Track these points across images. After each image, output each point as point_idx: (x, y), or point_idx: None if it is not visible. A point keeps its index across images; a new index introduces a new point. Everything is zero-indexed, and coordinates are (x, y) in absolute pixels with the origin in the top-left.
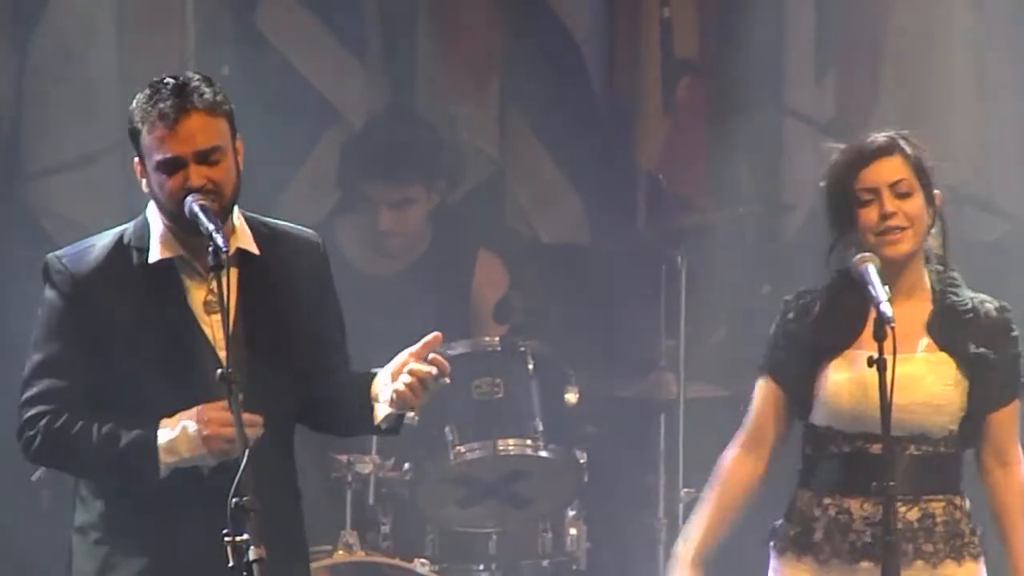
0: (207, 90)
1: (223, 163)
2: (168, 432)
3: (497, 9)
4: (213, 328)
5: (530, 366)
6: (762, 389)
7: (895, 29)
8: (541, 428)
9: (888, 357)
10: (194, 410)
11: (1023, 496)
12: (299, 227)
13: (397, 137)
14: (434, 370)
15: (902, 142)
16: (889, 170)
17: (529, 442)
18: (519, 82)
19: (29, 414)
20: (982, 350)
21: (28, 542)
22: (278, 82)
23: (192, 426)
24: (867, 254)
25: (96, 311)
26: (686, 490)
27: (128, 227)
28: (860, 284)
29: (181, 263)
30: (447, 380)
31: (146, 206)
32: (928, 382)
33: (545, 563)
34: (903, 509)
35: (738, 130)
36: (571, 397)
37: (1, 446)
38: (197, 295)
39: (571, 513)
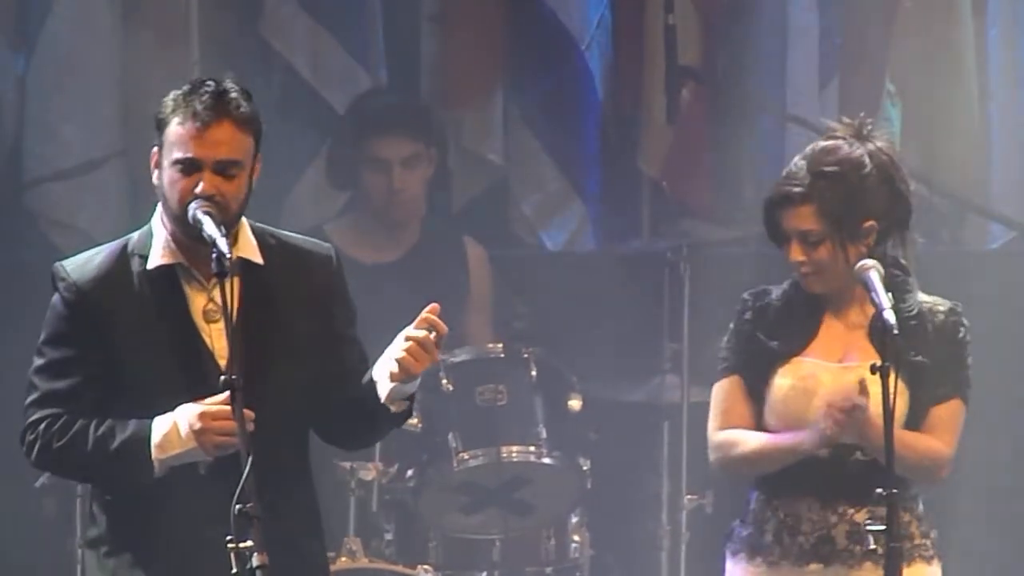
0: (245, 104)
1: (238, 179)
2: (161, 428)
3: (500, 16)
4: (212, 337)
5: (533, 373)
6: (729, 385)
7: (898, 37)
8: (544, 435)
9: (891, 364)
10: (188, 405)
11: (924, 446)
12: (311, 240)
13: (394, 102)
14: (433, 333)
15: (820, 183)
16: (798, 220)
17: (532, 449)
18: (523, 89)
19: (32, 418)
20: (921, 357)
21: (31, 550)
22: (282, 88)
23: (184, 421)
24: (869, 261)
25: (98, 318)
26: (689, 497)
27: (133, 236)
28: (865, 290)
29: (181, 270)
30: (443, 332)
31: (151, 215)
32: (870, 391)
33: (548, 570)
34: (851, 511)
35: (741, 137)
36: (574, 404)
37: (4, 453)
38: (197, 303)
39: (574, 520)
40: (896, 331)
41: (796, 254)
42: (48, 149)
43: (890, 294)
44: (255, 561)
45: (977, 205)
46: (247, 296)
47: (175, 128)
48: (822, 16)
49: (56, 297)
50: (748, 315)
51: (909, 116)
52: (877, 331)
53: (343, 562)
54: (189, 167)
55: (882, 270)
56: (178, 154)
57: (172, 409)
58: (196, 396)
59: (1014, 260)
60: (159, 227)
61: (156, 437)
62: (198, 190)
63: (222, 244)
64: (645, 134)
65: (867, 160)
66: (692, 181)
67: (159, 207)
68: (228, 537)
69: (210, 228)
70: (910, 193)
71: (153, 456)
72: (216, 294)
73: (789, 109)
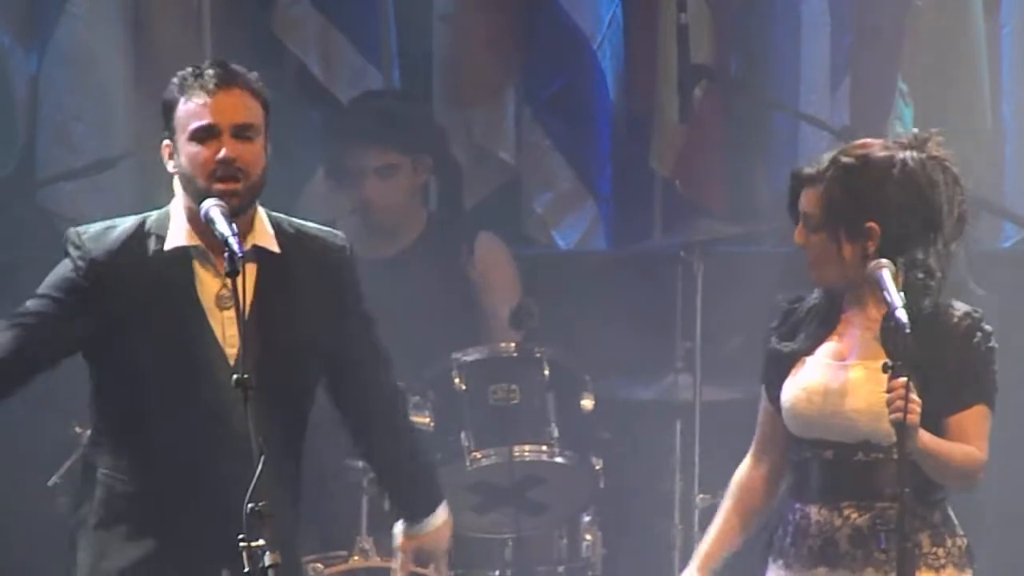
0: (251, 75)
1: (256, 143)
2: None
3: (512, 14)
4: (223, 324)
5: (546, 372)
6: (762, 398)
7: (910, 36)
8: (557, 434)
9: (902, 363)
10: None
11: (964, 451)
12: (327, 229)
13: (381, 108)
14: None
15: (832, 170)
16: (804, 200)
17: (545, 448)
18: (534, 88)
19: None
20: (929, 358)
21: (44, 549)
22: (294, 87)
23: None
24: (883, 260)
25: (106, 292)
26: (702, 496)
27: (151, 214)
28: (876, 289)
29: (197, 253)
30: None
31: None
32: (867, 390)
33: (561, 569)
34: (854, 515)
35: (754, 136)
36: (587, 403)
37: (16, 452)
38: (210, 288)
39: (587, 519)
40: (908, 329)
41: (797, 235)
42: (61, 148)
43: (902, 294)
44: (267, 560)
45: (990, 204)
46: (262, 284)
47: (186, 106)
48: (835, 15)
49: (67, 261)
50: (774, 323)
51: (921, 115)
52: (889, 331)
53: (356, 561)
54: (207, 134)
55: (895, 269)
56: (194, 124)
57: (174, 392)
58: (198, 381)
59: None
60: (178, 211)
61: None
62: (220, 155)
63: (233, 243)
64: (657, 133)
65: (896, 163)
66: (705, 180)
67: (178, 195)
68: (240, 536)
69: (222, 227)
70: (950, 204)
71: None
72: (231, 283)
73: (802, 108)
